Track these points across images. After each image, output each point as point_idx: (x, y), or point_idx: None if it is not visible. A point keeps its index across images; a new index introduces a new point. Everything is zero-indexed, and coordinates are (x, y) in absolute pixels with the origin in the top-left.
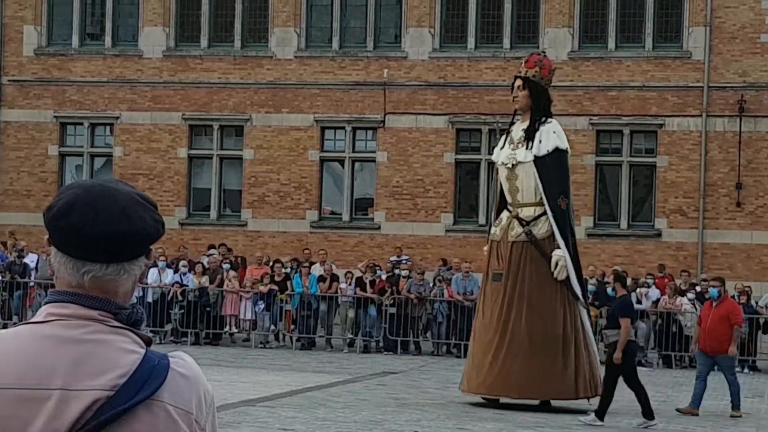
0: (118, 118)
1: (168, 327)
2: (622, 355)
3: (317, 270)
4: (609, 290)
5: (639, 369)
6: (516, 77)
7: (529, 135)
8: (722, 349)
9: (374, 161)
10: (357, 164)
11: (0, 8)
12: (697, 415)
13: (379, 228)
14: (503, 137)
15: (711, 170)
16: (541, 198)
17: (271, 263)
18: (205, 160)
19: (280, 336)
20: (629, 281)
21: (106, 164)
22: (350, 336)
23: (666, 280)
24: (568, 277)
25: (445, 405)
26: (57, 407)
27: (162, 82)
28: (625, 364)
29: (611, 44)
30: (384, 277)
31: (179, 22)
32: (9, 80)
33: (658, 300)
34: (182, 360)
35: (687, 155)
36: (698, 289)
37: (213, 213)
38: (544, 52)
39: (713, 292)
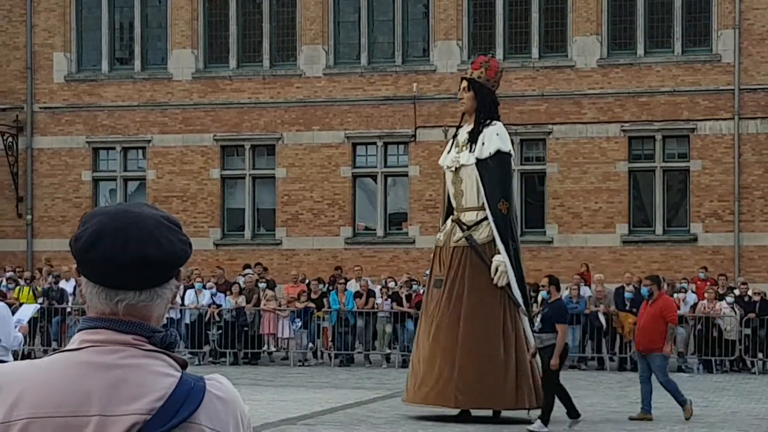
0: (149, 141)
1: (206, 348)
2: (544, 356)
3: (353, 286)
4: (645, 290)
5: (679, 375)
6: (462, 79)
7: (473, 138)
8: (654, 347)
9: (407, 175)
10: (389, 179)
11: (29, 36)
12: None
13: (413, 242)
14: (450, 141)
15: (745, 173)
16: (483, 202)
17: (307, 281)
18: (238, 180)
19: (319, 353)
20: (665, 286)
21: (139, 188)
22: (388, 351)
23: (708, 283)
24: (509, 284)
25: (484, 419)
26: None
27: (192, 104)
28: (548, 367)
29: (640, 50)
30: (420, 291)
31: (207, 44)
32: (40, 107)
33: (696, 305)
34: (218, 382)
35: (720, 158)
36: (737, 292)
37: (247, 233)
38: (492, 54)
39: (644, 291)
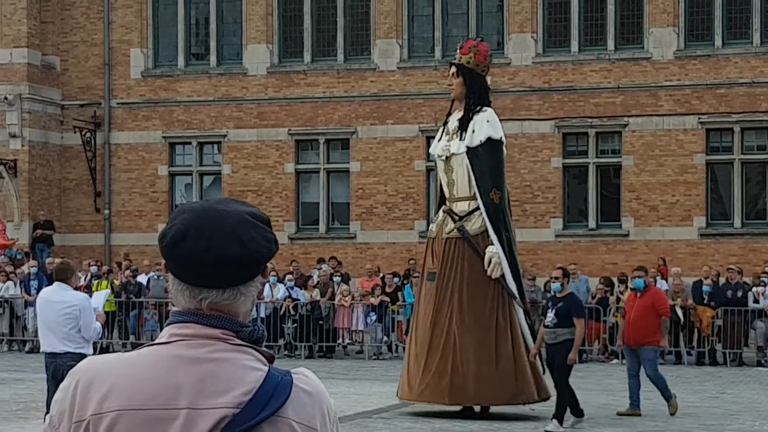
0: (225, 136)
1: (281, 341)
2: (556, 353)
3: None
4: (640, 282)
5: (759, 369)
6: (451, 64)
7: (463, 125)
8: (647, 341)
9: None
10: None
11: (107, 32)
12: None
13: None
14: (441, 128)
15: None
16: (475, 191)
17: (382, 274)
18: (312, 174)
19: (393, 347)
20: (745, 279)
21: (214, 182)
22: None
23: None
24: (503, 275)
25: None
26: (185, 426)
27: (267, 99)
28: (562, 363)
29: (718, 41)
30: None
31: (282, 39)
32: (118, 103)
33: None
34: (305, 376)
35: None
36: None
37: (322, 227)
38: (481, 38)
39: (638, 282)
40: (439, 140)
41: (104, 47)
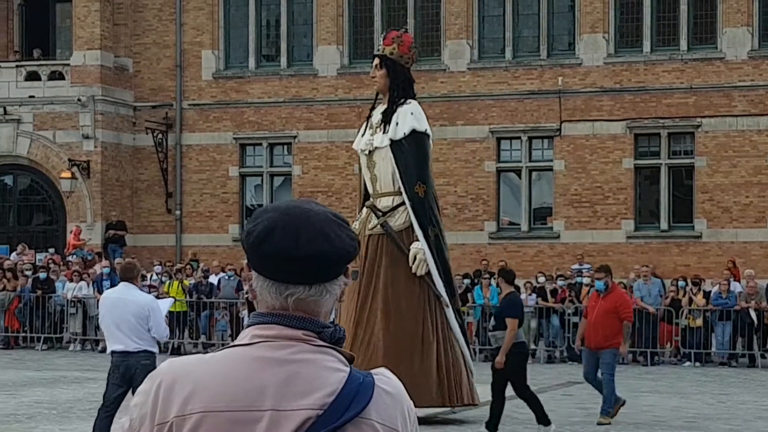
0: (295, 137)
1: None
2: (505, 359)
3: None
4: (600, 284)
5: None
6: (373, 56)
7: (387, 118)
8: (606, 344)
9: (551, 170)
10: (534, 174)
11: (179, 34)
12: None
13: (558, 237)
14: (364, 123)
15: None
16: (399, 186)
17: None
18: None
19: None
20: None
21: (284, 183)
22: (533, 347)
23: None
24: (429, 273)
25: (632, 414)
26: (269, 428)
27: (337, 100)
28: (513, 370)
29: None
30: (565, 285)
31: (353, 40)
32: (189, 104)
33: None
34: (386, 377)
35: None
36: None
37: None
38: (405, 29)
39: (599, 284)
40: (362, 135)
41: (176, 49)
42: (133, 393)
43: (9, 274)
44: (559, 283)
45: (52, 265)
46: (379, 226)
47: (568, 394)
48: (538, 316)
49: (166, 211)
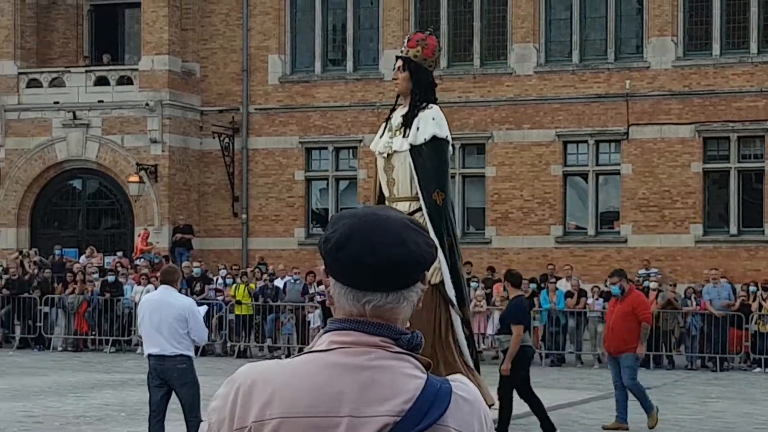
0: (361, 141)
1: None
2: (511, 365)
3: (564, 285)
4: (616, 289)
5: None
6: (396, 57)
7: (407, 122)
8: (626, 348)
9: (619, 174)
10: (601, 177)
11: (245, 39)
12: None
13: (625, 241)
14: (383, 124)
15: None
16: (417, 192)
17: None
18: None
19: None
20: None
21: (350, 187)
22: (600, 351)
23: None
24: (443, 281)
25: (703, 420)
26: None
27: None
28: (516, 374)
29: None
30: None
31: None
32: (256, 109)
33: None
34: (462, 383)
35: None
36: None
37: (457, 232)
38: (430, 31)
39: (614, 289)
40: (381, 137)
41: (243, 54)
42: (178, 396)
43: (78, 278)
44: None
45: (120, 269)
46: None
47: (631, 399)
48: (605, 321)
49: (232, 214)
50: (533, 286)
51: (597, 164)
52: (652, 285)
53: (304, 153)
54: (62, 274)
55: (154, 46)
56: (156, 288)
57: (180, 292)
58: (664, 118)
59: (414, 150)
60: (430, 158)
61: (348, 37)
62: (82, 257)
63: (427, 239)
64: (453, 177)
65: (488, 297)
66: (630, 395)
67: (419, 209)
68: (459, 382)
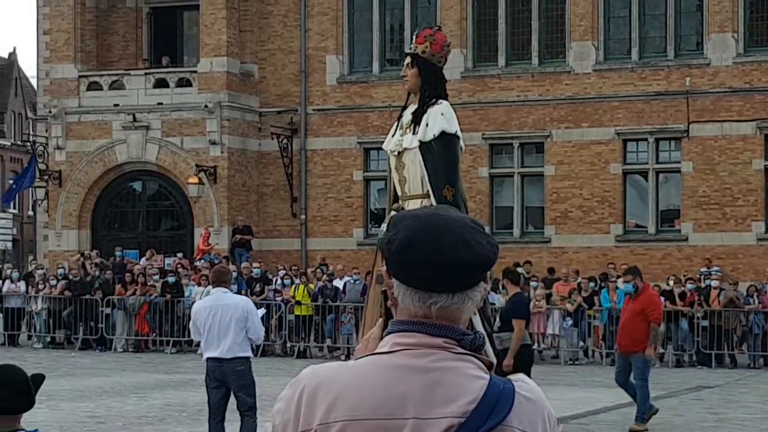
0: None
1: None
2: (514, 362)
3: (624, 284)
4: (629, 287)
5: None
6: (405, 54)
7: (417, 119)
8: (636, 348)
9: (679, 172)
10: (661, 175)
11: (303, 40)
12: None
13: (686, 239)
14: (395, 123)
15: None
16: (428, 189)
17: (578, 279)
18: (506, 179)
19: (590, 352)
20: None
21: None
22: (661, 350)
23: None
24: None
25: (766, 419)
26: None
27: (461, 103)
28: (517, 371)
29: None
30: (694, 289)
31: (476, 43)
32: (314, 109)
33: None
34: (525, 383)
35: None
36: None
37: (516, 231)
38: (439, 27)
39: (627, 287)
40: (392, 135)
41: (301, 54)
42: (235, 397)
43: (139, 279)
44: (688, 286)
45: (180, 270)
46: None
47: (697, 399)
48: (667, 320)
49: (291, 215)
50: (593, 285)
51: (657, 162)
52: (714, 283)
53: (362, 153)
54: (123, 275)
55: (212, 48)
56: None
57: (239, 293)
58: (725, 115)
59: (423, 146)
60: (439, 154)
61: (405, 36)
62: (142, 259)
63: (489, 238)
64: (511, 176)
65: (548, 297)
66: (635, 395)
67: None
68: (522, 382)
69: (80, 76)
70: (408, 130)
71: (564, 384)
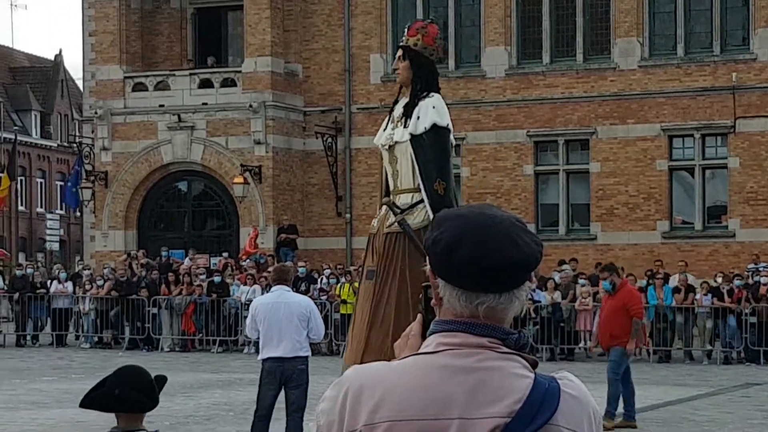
0: (463, 138)
1: None
2: None
3: (671, 281)
4: (606, 285)
5: None
6: (398, 47)
7: (408, 112)
8: (614, 343)
9: (726, 167)
10: (707, 172)
11: (347, 39)
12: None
13: (733, 236)
14: (387, 117)
15: None
16: (419, 183)
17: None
18: (551, 176)
19: (636, 349)
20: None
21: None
22: (709, 347)
23: None
24: None
25: None
26: None
27: (506, 101)
28: None
29: None
30: (742, 285)
31: (521, 41)
32: (358, 108)
33: None
34: (570, 381)
35: None
36: None
37: (561, 228)
38: (431, 19)
39: (605, 285)
40: (384, 129)
41: (345, 53)
42: (287, 396)
43: (185, 279)
44: (736, 282)
45: (227, 269)
46: (396, 224)
47: (746, 396)
48: (714, 317)
49: (336, 214)
50: (639, 282)
51: (703, 158)
52: (763, 280)
53: None
54: (168, 275)
55: (256, 47)
56: (264, 288)
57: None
58: None
59: (414, 139)
60: (430, 147)
61: (450, 34)
62: (186, 260)
63: (534, 237)
64: (557, 174)
65: (595, 294)
66: (632, 390)
67: (421, 200)
68: (567, 380)
69: (125, 78)
70: (399, 124)
71: None
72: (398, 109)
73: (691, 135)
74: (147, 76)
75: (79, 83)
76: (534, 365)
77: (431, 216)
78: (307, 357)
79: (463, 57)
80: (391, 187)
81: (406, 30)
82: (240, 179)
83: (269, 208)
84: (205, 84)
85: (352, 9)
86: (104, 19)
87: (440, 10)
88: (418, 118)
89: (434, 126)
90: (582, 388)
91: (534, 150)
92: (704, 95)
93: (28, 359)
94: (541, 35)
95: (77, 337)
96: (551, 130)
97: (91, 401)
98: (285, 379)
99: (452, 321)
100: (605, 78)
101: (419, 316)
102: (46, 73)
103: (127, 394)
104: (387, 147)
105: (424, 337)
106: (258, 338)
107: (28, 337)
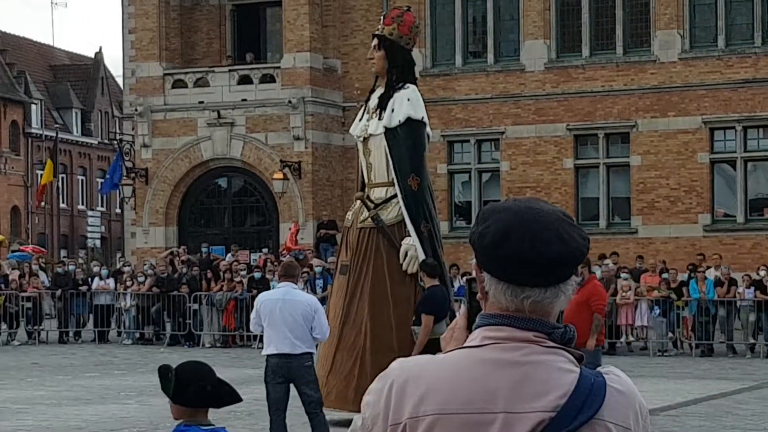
0: (503, 133)
1: None
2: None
3: (713, 274)
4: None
5: None
6: (373, 36)
7: (383, 103)
8: (582, 341)
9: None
10: (749, 164)
11: None
12: None
13: None
14: (362, 107)
15: None
16: (393, 177)
17: (665, 270)
18: (591, 169)
19: (679, 343)
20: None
21: (492, 179)
22: (752, 341)
23: None
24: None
25: None
26: (502, 430)
27: (545, 95)
28: None
29: None
30: None
31: (560, 34)
32: None
33: None
34: (616, 375)
35: None
36: None
37: (602, 222)
38: (408, 8)
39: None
40: (360, 120)
41: None
42: (301, 393)
43: (226, 275)
44: None
45: (269, 265)
46: (370, 219)
47: None
48: (757, 310)
49: None
50: (681, 275)
51: (745, 151)
52: None
53: (446, 146)
54: (209, 271)
55: (295, 43)
56: (305, 283)
57: (325, 287)
58: None
59: (388, 133)
60: (405, 141)
61: (488, 29)
62: (228, 255)
63: (580, 232)
64: (597, 167)
65: (636, 288)
66: None
67: (395, 195)
68: (613, 374)
69: (165, 74)
70: (374, 115)
71: (653, 375)
72: (373, 100)
73: (733, 127)
74: (186, 72)
75: (119, 80)
76: (579, 360)
77: (404, 212)
78: (311, 354)
79: (502, 51)
80: (366, 180)
81: (382, 19)
82: (279, 175)
83: (309, 203)
84: (245, 80)
85: (390, 4)
86: (144, 16)
87: (479, 5)
88: (393, 110)
89: (408, 119)
90: (628, 382)
91: (574, 143)
92: (745, 87)
93: (71, 356)
94: (581, 28)
95: (119, 334)
96: (591, 124)
97: (191, 398)
98: (291, 377)
99: (498, 315)
100: (645, 71)
101: (464, 308)
102: (87, 71)
103: (220, 389)
104: (362, 139)
105: (470, 331)
106: (262, 333)
107: (71, 334)
